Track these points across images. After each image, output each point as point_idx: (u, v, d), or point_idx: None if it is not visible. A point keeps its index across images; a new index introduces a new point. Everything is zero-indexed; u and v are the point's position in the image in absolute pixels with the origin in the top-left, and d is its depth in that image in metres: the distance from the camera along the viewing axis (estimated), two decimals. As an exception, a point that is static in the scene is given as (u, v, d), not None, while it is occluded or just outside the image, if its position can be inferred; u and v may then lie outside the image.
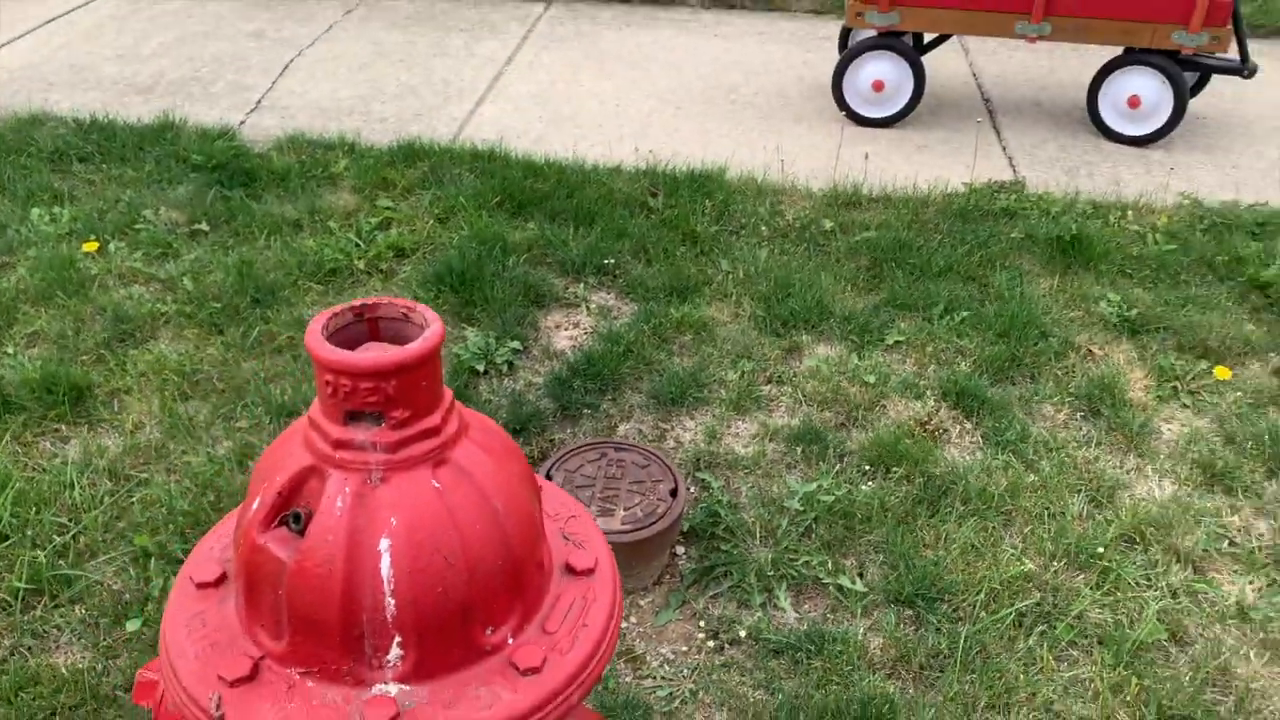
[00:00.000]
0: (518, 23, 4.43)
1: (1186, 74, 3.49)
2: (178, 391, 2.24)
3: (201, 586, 0.83)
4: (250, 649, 0.78)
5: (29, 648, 1.71)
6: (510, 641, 0.79)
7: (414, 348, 0.73)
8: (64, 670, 1.67)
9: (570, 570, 0.87)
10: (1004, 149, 3.43)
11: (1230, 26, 3.24)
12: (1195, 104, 3.71)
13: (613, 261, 2.68)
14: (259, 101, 3.64)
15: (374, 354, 0.72)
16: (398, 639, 0.74)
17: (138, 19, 4.33)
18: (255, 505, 0.76)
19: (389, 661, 0.75)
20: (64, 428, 2.15)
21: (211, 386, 2.26)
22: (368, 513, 0.73)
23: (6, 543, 1.86)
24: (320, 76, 3.86)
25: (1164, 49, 3.25)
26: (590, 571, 0.87)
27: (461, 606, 0.76)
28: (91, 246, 2.69)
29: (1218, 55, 3.32)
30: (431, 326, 0.75)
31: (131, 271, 2.63)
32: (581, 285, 2.62)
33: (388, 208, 2.92)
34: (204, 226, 2.82)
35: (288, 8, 4.52)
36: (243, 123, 3.47)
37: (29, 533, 1.87)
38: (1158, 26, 3.21)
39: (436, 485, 0.75)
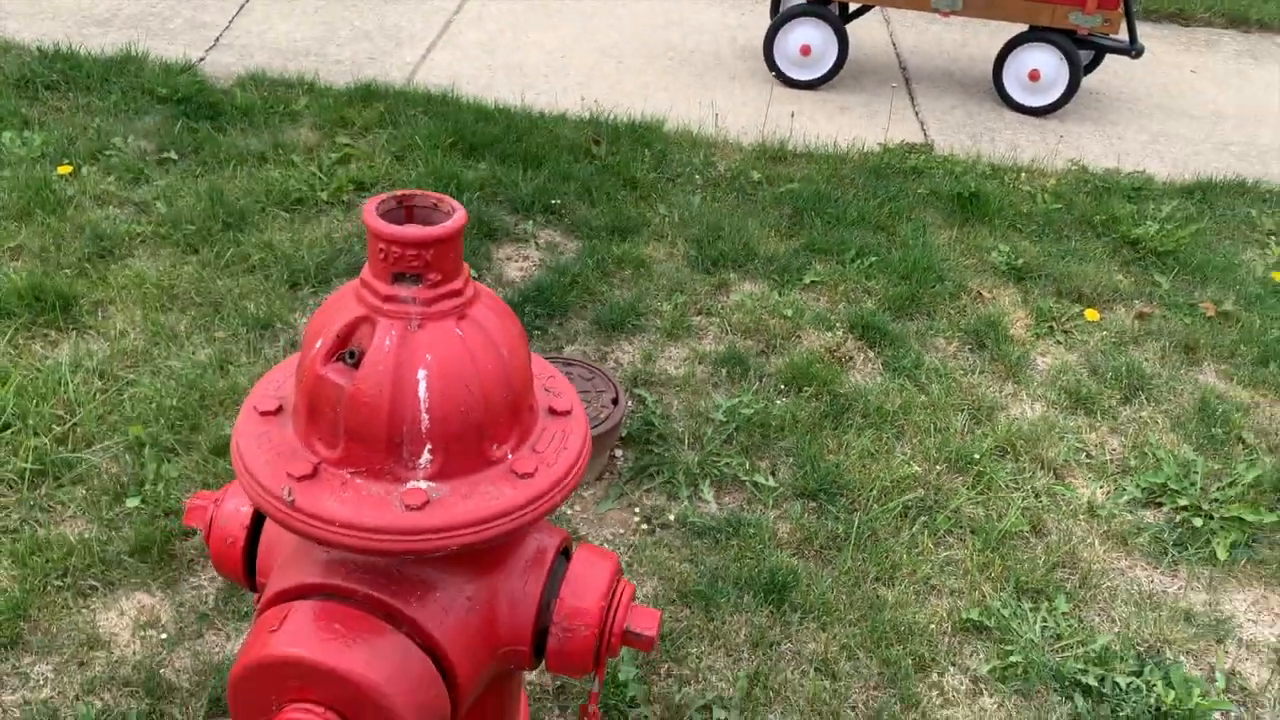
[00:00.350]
0: (466, -26, 4.60)
1: (1082, 52, 3.84)
2: (158, 304, 2.43)
3: (264, 414, 1.08)
4: (310, 457, 1.03)
5: (38, 520, 1.92)
6: (510, 456, 1.05)
7: (447, 226, 0.98)
8: (71, 538, 1.88)
9: (552, 411, 1.13)
10: (917, 114, 3.74)
11: (1121, 10, 3.58)
12: (1089, 80, 4.07)
13: (559, 202, 2.93)
14: (217, 39, 3.77)
15: (418, 228, 0.97)
16: (429, 446, 1.00)
17: (89, -49, 4.39)
18: (318, 345, 1.01)
19: (421, 464, 1.00)
20: (53, 333, 2.33)
21: (190, 300, 2.46)
22: (409, 350, 0.98)
23: (10, 430, 2.05)
24: (276, 17, 3.99)
25: (1062, 28, 3.58)
26: (567, 413, 1.13)
27: (477, 425, 1.02)
28: (66, 169, 2.84)
29: (1110, 36, 3.66)
30: (457, 212, 1.00)
31: (106, 194, 2.79)
32: (530, 223, 2.86)
33: (347, 144, 3.11)
34: (173, 155, 2.98)
35: (239, -53, 4.61)
36: (202, 59, 3.61)
37: (30, 421, 2.07)
38: (1057, 7, 3.54)
39: (459, 333, 1.00)
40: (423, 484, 1.01)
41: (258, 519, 1.22)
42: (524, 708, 1.38)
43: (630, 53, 4.01)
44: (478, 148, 3.13)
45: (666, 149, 3.24)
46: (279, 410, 1.08)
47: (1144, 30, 4.68)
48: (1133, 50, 3.72)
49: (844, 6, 3.94)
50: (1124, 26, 3.73)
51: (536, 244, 2.79)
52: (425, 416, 0.99)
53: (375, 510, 0.98)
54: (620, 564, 1.21)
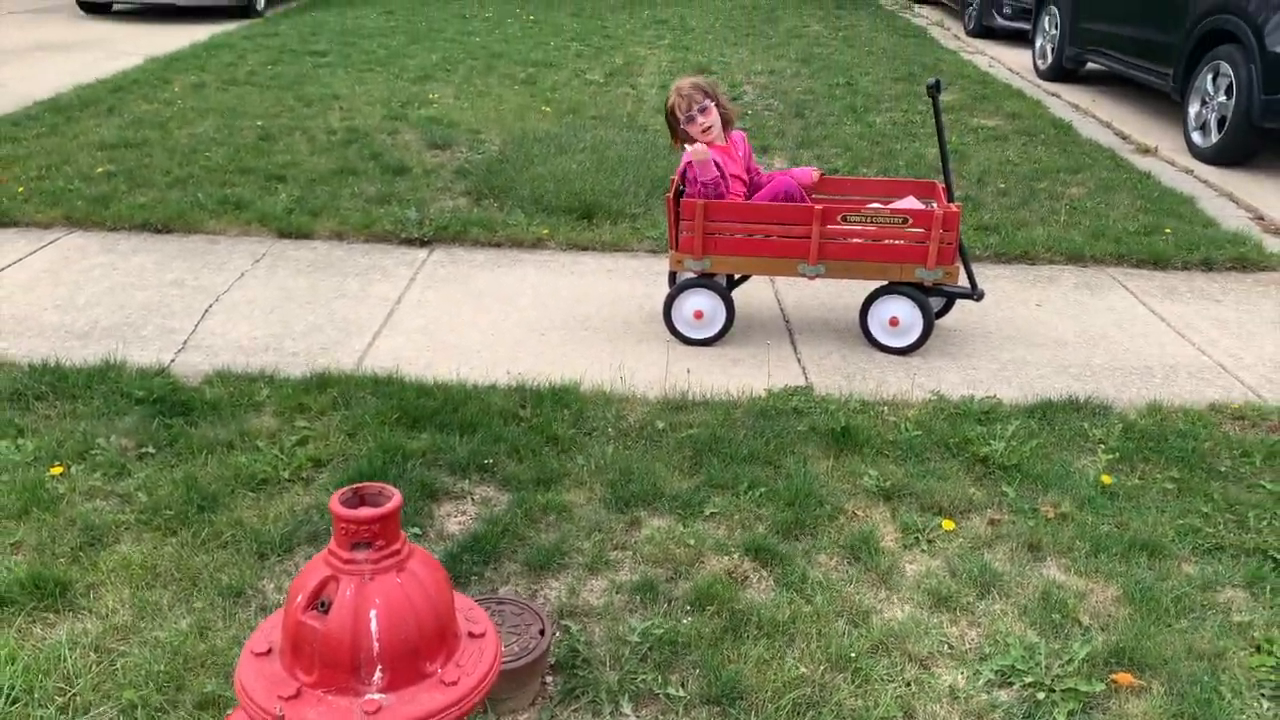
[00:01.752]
0: (406, 267, 5.25)
1: (934, 299, 4.51)
2: (143, 582, 2.80)
3: (258, 655, 1.47)
4: (294, 683, 1.42)
5: (43, 782, 2.21)
6: (440, 670, 1.46)
7: (386, 508, 1.43)
8: (74, 795, 2.17)
9: (470, 635, 1.54)
10: (799, 360, 4.34)
11: (958, 264, 4.27)
12: (950, 320, 4.73)
13: (491, 461, 3.39)
14: (185, 342, 4.30)
15: (368, 510, 1.42)
16: (379, 667, 1.40)
17: (69, 272, 4.98)
18: (299, 599, 1.42)
19: (375, 680, 1.40)
20: (52, 615, 2.67)
21: (171, 577, 2.83)
22: (363, 597, 1.40)
23: (18, 704, 2.36)
24: (237, 318, 4.55)
25: (911, 281, 4.26)
26: (483, 635, 1.54)
27: (414, 649, 1.42)
28: (57, 470, 3.26)
29: (954, 285, 4.34)
30: (394, 497, 1.45)
31: (93, 488, 3.20)
32: (466, 481, 3.31)
33: (305, 427, 3.58)
34: (151, 449, 3.42)
35: (202, 258, 5.24)
36: (173, 361, 4.11)
37: (35, 695, 2.39)
38: (905, 265, 4.23)
39: (399, 581, 1.43)
40: (376, 696, 1.40)
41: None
42: None
43: (552, 327, 4.61)
44: (420, 420, 3.61)
45: (583, 407, 3.76)
46: (269, 651, 1.48)
47: (995, 271, 5.45)
48: (974, 295, 4.40)
49: (730, 277, 4.60)
50: (965, 277, 4.43)
51: (472, 500, 3.23)
52: (376, 644, 1.40)
53: (343, 717, 1.37)
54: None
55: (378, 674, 1.39)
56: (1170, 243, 5.72)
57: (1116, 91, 9.77)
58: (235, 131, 7.41)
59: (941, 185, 4.42)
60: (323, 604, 1.42)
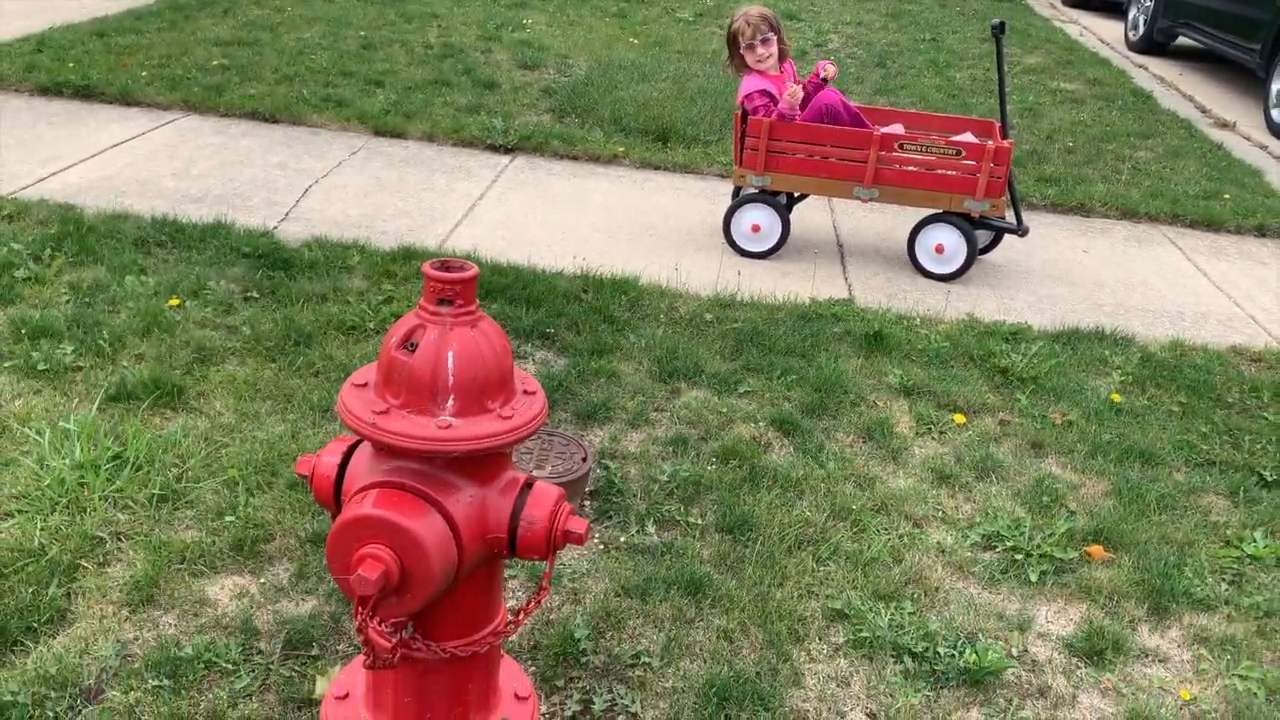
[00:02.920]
0: (489, 170, 5.64)
1: (980, 232, 4.76)
2: (245, 395, 3.24)
3: (358, 386, 1.86)
4: (384, 404, 1.81)
5: (162, 530, 2.66)
6: (499, 409, 1.83)
7: (467, 274, 1.80)
8: (187, 539, 2.61)
9: (525, 392, 1.91)
10: (845, 278, 4.63)
11: (1006, 197, 4.51)
12: (994, 257, 4.98)
13: (553, 331, 3.77)
14: (287, 214, 4.74)
15: (451, 273, 1.79)
16: (452, 397, 1.78)
17: (185, 148, 5.46)
18: (394, 339, 1.80)
19: (448, 406, 1.78)
20: (169, 411, 3.13)
21: (269, 393, 3.27)
22: (444, 341, 1.78)
23: (142, 470, 2.82)
24: (334, 200, 4.98)
25: (959, 211, 4.52)
26: (534, 393, 1.91)
27: (481, 388, 1.80)
28: (174, 302, 3.71)
29: (1000, 218, 4.58)
30: (473, 268, 1.82)
31: (205, 319, 3.65)
32: (529, 345, 3.70)
33: (390, 289, 3.99)
34: (255, 294, 3.86)
35: (304, 146, 5.68)
36: (276, 227, 4.56)
37: (155, 465, 2.84)
38: (954, 195, 4.48)
39: (472, 334, 1.80)
40: (449, 418, 1.78)
41: (342, 465, 1.98)
42: (503, 603, 2.08)
43: (618, 230, 4.96)
44: (492, 293, 4.00)
45: (640, 296, 4.11)
46: (366, 384, 1.87)
47: (1048, 219, 5.66)
48: (1019, 230, 4.64)
49: (789, 195, 4.90)
50: (1012, 214, 4.67)
51: (533, 360, 3.61)
52: (451, 378, 1.77)
53: (421, 428, 1.75)
54: (564, 494, 1.95)
55: (450, 401, 1.76)
56: (1227, 207, 5.86)
57: (1205, 67, 9.73)
58: (339, 39, 7.84)
59: (999, 124, 4.65)
60: (411, 345, 1.79)
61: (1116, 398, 3.70)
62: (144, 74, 6.42)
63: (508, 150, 5.94)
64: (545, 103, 6.79)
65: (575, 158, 5.97)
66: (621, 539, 2.81)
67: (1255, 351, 4.18)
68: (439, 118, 6.21)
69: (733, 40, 4.60)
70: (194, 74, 6.53)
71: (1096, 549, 2.91)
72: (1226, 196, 6.02)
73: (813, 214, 5.32)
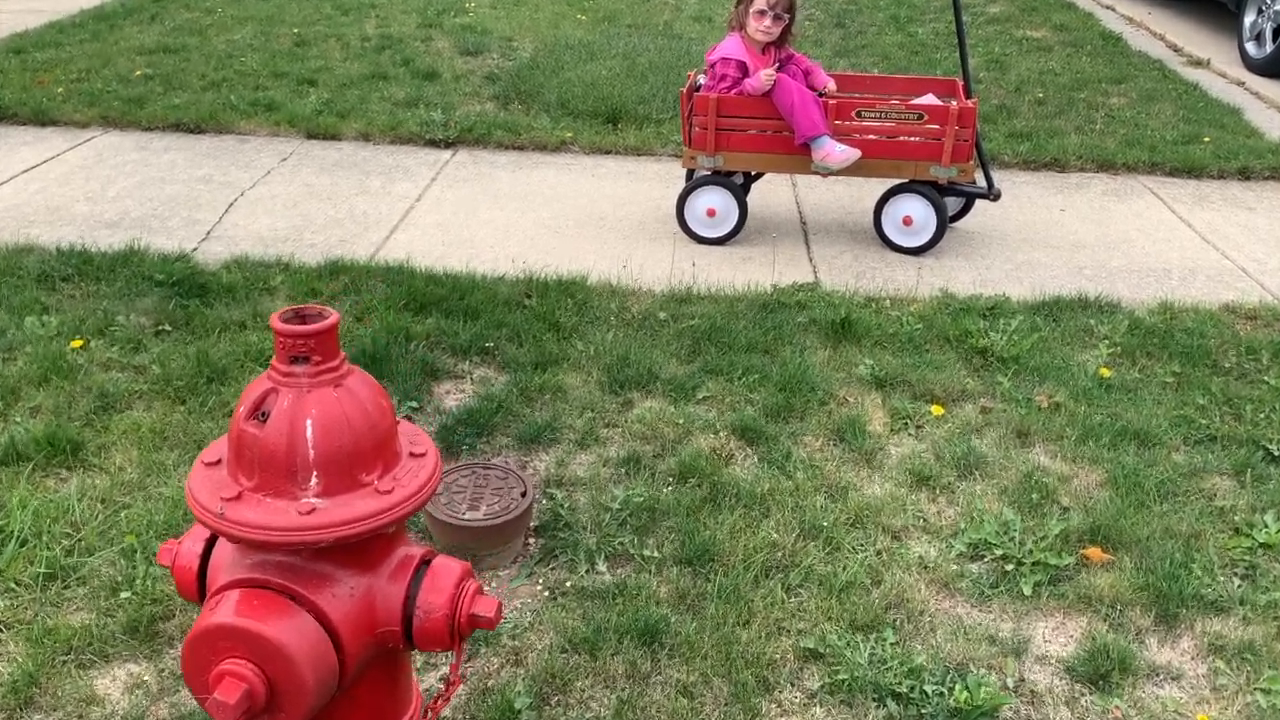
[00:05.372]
0: (428, 167, 5.31)
1: (951, 201, 4.47)
2: (151, 444, 2.93)
3: (209, 465, 1.56)
4: (236, 487, 1.51)
5: (48, 613, 2.36)
6: (376, 481, 1.53)
7: (323, 324, 1.50)
8: (75, 625, 2.32)
9: (412, 454, 1.62)
10: (810, 259, 4.34)
11: (975, 161, 4.21)
12: (967, 223, 4.69)
13: (492, 345, 3.47)
14: (208, 232, 4.41)
15: (304, 325, 1.49)
16: (315, 473, 1.48)
17: (102, 168, 5.11)
18: (242, 409, 1.51)
19: (311, 485, 1.48)
20: (64, 471, 2.82)
21: (177, 441, 2.96)
22: (300, 408, 1.48)
23: (28, 545, 2.52)
24: (260, 213, 4.66)
25: (925, 179, 4.22)
26: (423, 455, 1.61)
27: (349, 458, 1.50)
28: (78, 343, 3.40)
29: (970, 183, 4.29)
30: (331, 316, 1.52)
31: (110, 361, 3.34)
32: (467, 362, 3.40)
33: (315, 311, 3.68)
34: (167, 327, 3.55)
35: (231, 156, 5.34)
36: (195, 249, 4.23)
37: (44, 538, 2.54)
38: (919, 163, 4.18)
39: (335, 395, 1.50)
40: (313, 499, 1.48)
41: (206, 553, 1.69)
42: (415, 692, 1.80)
43: (567, 224, 4.64)
44: (426, 306, 3.69)
45: (588, 298, 3.81)
46: (219, 462, 1.57)
47: (1022, 178, 5.36)
48: (991, 194, 4.34)
49: (745, 174, 4.59)
50: (982, 177, 4.37)
51: (471, 379, 3.32)
52: (312, 452, 1.47)
53: (278, 515, 1.46)
54: (470, 569, 1.66)
55: (314, 479, 1.47)
56: (1208, 151, 5.57)
57: (1175, 5, 9.41)
58: (271, 38, 7.47)
59: (962, 83, 4.34)
60: (262, 414, 1.50)
61: (1105, 372, 3.42)
62: (60, 90, 6.06)
63: (448, 145, 5.61)
64: (488, 90, 6.45)
65: (520, 147, 5.64)
66: (569, 582, 2.52)
67: (1249, 309, 3.90)
68: (375, 115, 5.87)
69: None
70: (114, 87, 6.17)
71: (1094, 551, 2.63)
72: (1206, 140, 5.73)
73: (774, 190, 5.02)
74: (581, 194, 5.01)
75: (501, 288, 3.87)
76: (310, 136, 5.69)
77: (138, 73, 6.50)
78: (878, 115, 4.14)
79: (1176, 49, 7.98)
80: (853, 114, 4.15)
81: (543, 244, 4.41)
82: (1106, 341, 3.62)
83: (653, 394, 3.28)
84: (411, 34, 7.69)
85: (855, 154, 4.10)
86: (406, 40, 7.49)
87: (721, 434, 3.08)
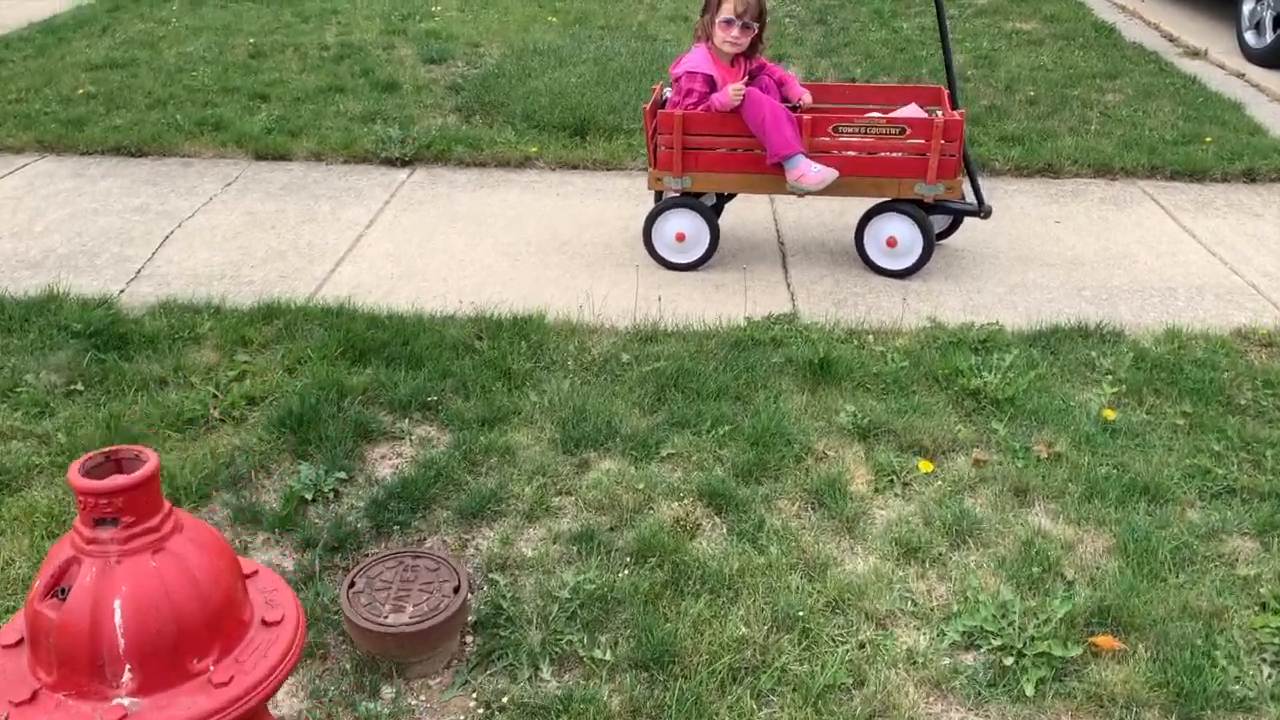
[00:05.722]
0: (382, 189, 4.98)
1: (938, 217, 4.15)
2: (46, 531, 2.62)
3: (6, 647, 1.25)
4: (33, 683, 1.20)
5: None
6: (212, 668, 1.22)
7: (136, 475, 1.18)
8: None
9: (265, 623, 1.30)
10: (788, 285, 4.02)
11: (962, 176, 3.90)
12: (956, 240, 4.37)
13: (435, 399, 3.15)
14: (139, 271, 4.09)
15: (107, 481, 1.17)
16: (128, 666, 1.17)
17: (33, 198, 4.78)
18: (37, 584, 1.19)
19: (123, 682, 1.17)
20: (-56, 567, 2.51)
21: (76, 525, 2.64)
22: (107, 584, 1.17)
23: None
24: (198, 245, 4.33)
25: (910, 198, 3.90)
26: (278, 623, 1.30)
27: (173, 644, 1.19)
28: (-24, 409, 3.08)
29: (957, 200, 3.97)
30: (149, 461, 1.20)
31: (11, 429, 3.02)
32: (407, 420, 3.08)
33: (245, 361, 3.36)
34: (80, 387, 3.23)
35: (173, 182, 5.01)
36: (122, 291, 3.91)
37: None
38: (902, 180, 3.86)
39: (154, 564, 1.19)
40: (125, 700, 1.17)
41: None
42: None
43: (527, 251, 4.32)
44: (366, 354, 3.38)
45: (544, 339, 3.49)
46: (20, 642, 1.26)
47: (1014, 185, 5.05)
48: (981, 211, 4.03)
49: (718, 195, 4.27)
50: (971, 192, 4.06)
51: (410, 440, 3.00)
52: (122, 640, 1.16)
53: (79, 725, 1.15)
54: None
55: (126, 675, 1.16)
56: (1210, 153, 5.26)
57: (1168, -10, 9.08)
58: (226, 49, 7.12)
59: (947, 92, 4.03)
60: (62, 590, 1.19)
61: (1110, 414, 3.11)
62: (-5, 113, 5.72)
63: (405, 163, 5.28)
64: (451, 101, 6.11)
65: (482, 164, 5.32)
66: (508, 694, 2.21)
67: (1263, 334, 3.59)
68: (328, 132, 5.54)
69: (714, 4, 3.86)
70: (54, 108, 5.83)
71: (1104, 639, 2.33)
72: (1208, 140, 5.42)
73: (750, 208, 4.70)
74: (545, 215, 4.68)
75: (451, 329, 3.55)
76: (259, 157, 5.36)
77: (80, 91, 6.15)
78: (857, 130, 3.82)
79: (1172, 39, 7.66)
80: (829, 129, 3.82)
81: (500, 274, 4.09)
82: (1110, 377, 3.31)
83: (611, 453, 2.96)
84: (373, 41, 7.35)
85: (832, 174, 3.78)
86: (368, 48, 7.15)
87: (686, 500, 2.77)
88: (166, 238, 4.39)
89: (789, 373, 3.33)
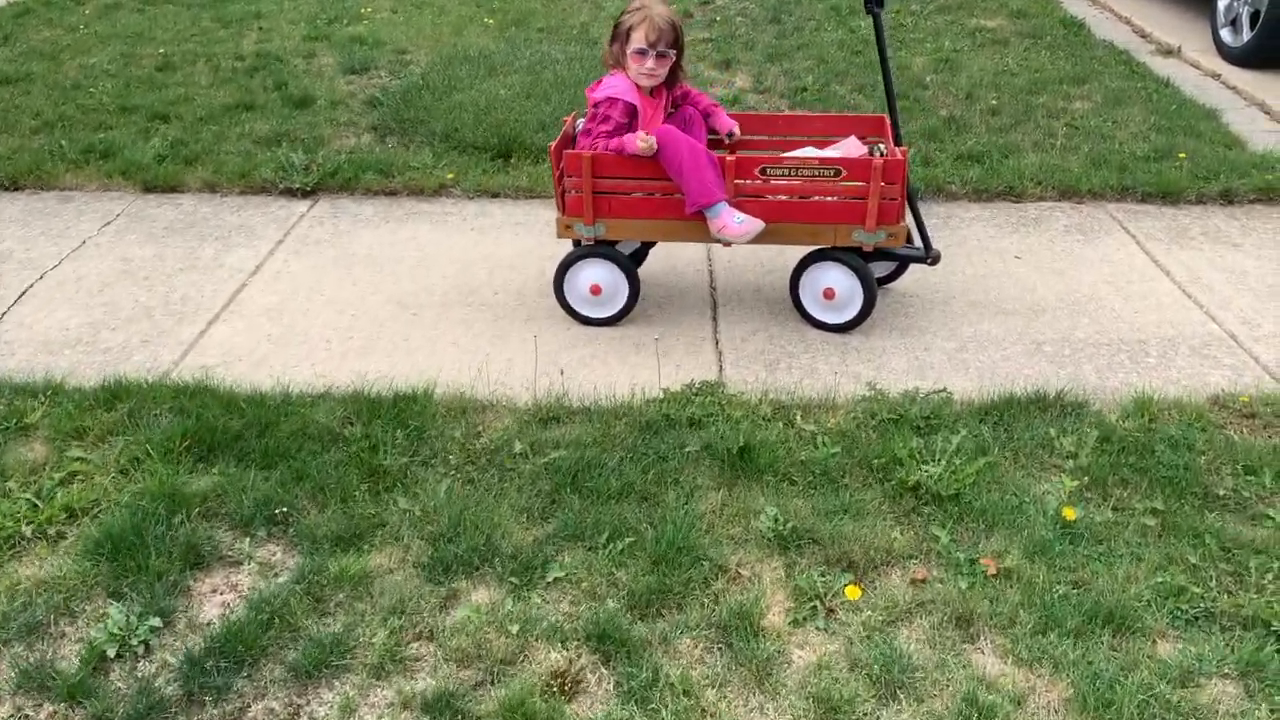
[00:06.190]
0: (277, 226, 4.51)
1: (881, 263, 3.73)
2: None
3: None
4: None
5: None
6: None
7: None
8: None
9: None
10: (716, 343, 3.58)
11: (906, 223, 3.46)
12: (905, 282, 3.95)
13: (286, 509, 2.70)
14: (-18, 337, 3.62)
15: None
16: None
17: (-120, 246, 4.29)
18: None
19: None
20: None
21: None
22: None
23: None
24: (58, 302, 3.86)
25: (848, 246, 3.46)
26: None
27: None
28: None
29: (903, 246, 3.54)
30: None
31: None
32: (249, 539, 2.63)
33: (77, 458, 2.91)
34: (-127, 498, 2.77)
35: (45, 222, 4.53)
36: (-44, 364, 3.44)
37: None
38: (839, 227, 3.43)
39: None
40: None
41: None
42: None
43: (429, 302, 3.87)
44: (216, 448, 2.92)
45: (427, 422, 3.04)
46: None
47: (973, 213, 4.62)
48: (927, 258, 3.60)
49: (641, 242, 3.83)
50: (918, 233, 3.63)
51: (250, 566, 2.55)
52: None
53: None
54: None
55: None
56: (1185, 171, 4.85)
57: (1140, -19, 8.67)
58: (133, 60, 6.61)
59: (891, 124, 3.59)
60: None
61: (1069, 514, 2.70)
62: None
63: (307, 194, 4.82)
64: (367, 119, 5.64)
65: (393, 192, 4.85)
66: None
67: (1244, 403, 3.18)
68: (227, 158, 5.06)
69: (624, 35, 3.40)
70: (-75, 134, 5.33)
71: (1057, 842, 1.92)
72: (1182, 156, 5.01)
73: (681, 245, 4.25)
74: (455, 255, 4.23)
75: (319, 412, 3.10)
76: (147, 189, 4.87)
77: (-40, 113, 5.64)
78: (787, 173, 3.38)
79: (1144, 34, 7.25)
80: (756, 171, 3.38)
81: (392, 334, 3.64)
82: (1071, 463, 2.90)
83: (487, 579, 2.52)
84: (294, 49, 6.85)
85: (758, 226, 3.34)
86: (286, 58, 6.65)
87: (571, 645, 2.33)
88: (24, 292, 3.92)
89: (705, 463, 2.90)
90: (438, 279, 4.04)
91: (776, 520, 2.66)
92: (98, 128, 5.48)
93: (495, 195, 4.84)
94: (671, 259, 4.16)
